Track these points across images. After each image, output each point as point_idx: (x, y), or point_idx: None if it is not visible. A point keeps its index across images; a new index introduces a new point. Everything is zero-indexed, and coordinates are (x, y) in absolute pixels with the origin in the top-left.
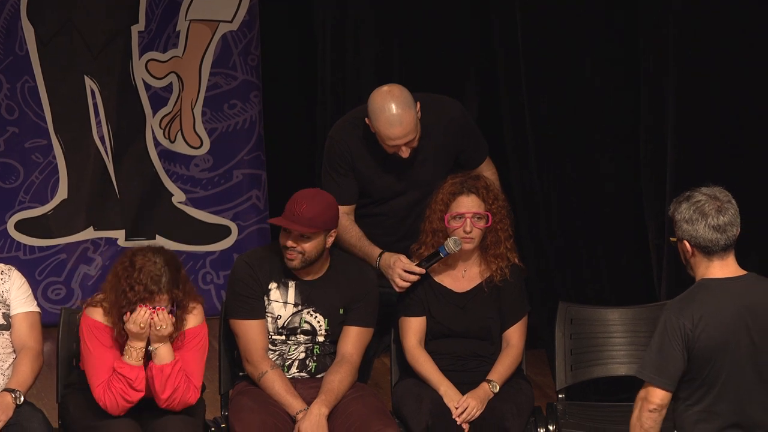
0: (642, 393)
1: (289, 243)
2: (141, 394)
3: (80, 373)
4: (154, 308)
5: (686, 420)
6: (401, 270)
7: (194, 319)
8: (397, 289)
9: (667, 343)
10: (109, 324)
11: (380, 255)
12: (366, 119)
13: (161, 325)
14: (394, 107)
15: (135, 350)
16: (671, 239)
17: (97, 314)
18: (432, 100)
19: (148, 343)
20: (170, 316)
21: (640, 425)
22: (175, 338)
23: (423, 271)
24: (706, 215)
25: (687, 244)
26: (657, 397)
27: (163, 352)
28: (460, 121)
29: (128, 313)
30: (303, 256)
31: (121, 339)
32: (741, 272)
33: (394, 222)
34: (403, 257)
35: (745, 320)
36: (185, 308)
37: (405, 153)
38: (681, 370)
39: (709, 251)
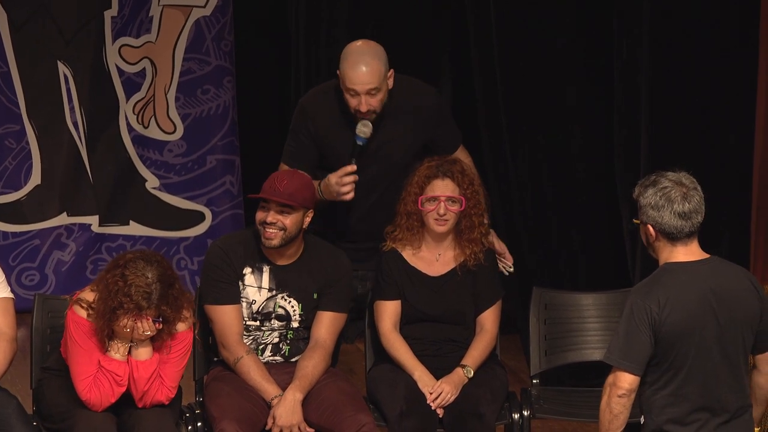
0: (610, 378)
1: (270, 218)
2: (123, 389)
3: (56, 358)
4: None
5: (654, 404)
6: (337, 180)
7: (182, 324)
8: (348, 198)
9: (634, 327)
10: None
11: (318, 185)
12: (338, 71)
13: (144, 332)
14: (363, 52)
15: (121, 346)
16: (634, 221)
17: (84, 313)
18: (408, 82)
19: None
20: (155, 324)
21: (609, 410)
22: (160, 343)
23: (354, 167)
24: (672, 202)
25: (651, 229)
26: (626, 381)
27: (142, 350)
28: (434, 107)
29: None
30: (284, 233)
31: (103, 337)
32: (704, 256)
33: (360, 194)
34: (331, 174)
35: (711, 303)
36: (172, 323)
37: (363, 106)
38: (648, 354)
39: (674, 237)
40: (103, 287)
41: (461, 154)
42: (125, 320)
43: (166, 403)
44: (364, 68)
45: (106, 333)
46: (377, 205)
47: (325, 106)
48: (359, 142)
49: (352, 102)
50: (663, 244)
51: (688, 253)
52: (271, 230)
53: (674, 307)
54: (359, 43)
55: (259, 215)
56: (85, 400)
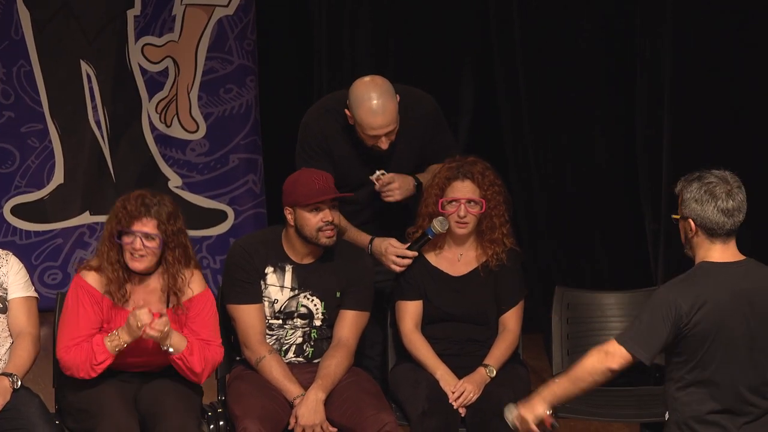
0: (612, 349)
1: (330, 216)
2: (94, 375)
3: None
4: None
5: (678, 401)
6: (394, 256)
7: (197, 286)
8: (397, 269)
9: (659, 321)
10: (102, 286)
11: (371, 242)
12: (346, 110)
13: (157, 333)
14: (376, 96)
15: (120, 340)
16: (673, 216)
17: (90, 278)
18: (406, 92)
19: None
20: (165, 318)
21: (590, 374)
22: (179, 314)
23: (415, 254)
24: (716, 198)
25: (692, 223)
26: (625, 362)
27: (176, 343)
28: (433, 115)
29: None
30: (337, 229)
31: (110, 310)
32: (740, 257)
33: (354, 209)
34: (393, 242)
35: (743, 305)
36: (176, 256)
37: (384, 144)
38: (661, 348)
39: (714, 234)
40: (106, 224)
41: None
42: (144, 310)
43: (221, 359)
44: (382, 113)
45: (116, 265)
46: (380, 213)
47: (335, 128)
48: (429, 236)
49: (370, 141)
50: (701, 240)
51: (726, 253)
52: (330, 229)
53: (708, 308)
54: (367, 80)
55: (314, 220)
56: (58, 357)
